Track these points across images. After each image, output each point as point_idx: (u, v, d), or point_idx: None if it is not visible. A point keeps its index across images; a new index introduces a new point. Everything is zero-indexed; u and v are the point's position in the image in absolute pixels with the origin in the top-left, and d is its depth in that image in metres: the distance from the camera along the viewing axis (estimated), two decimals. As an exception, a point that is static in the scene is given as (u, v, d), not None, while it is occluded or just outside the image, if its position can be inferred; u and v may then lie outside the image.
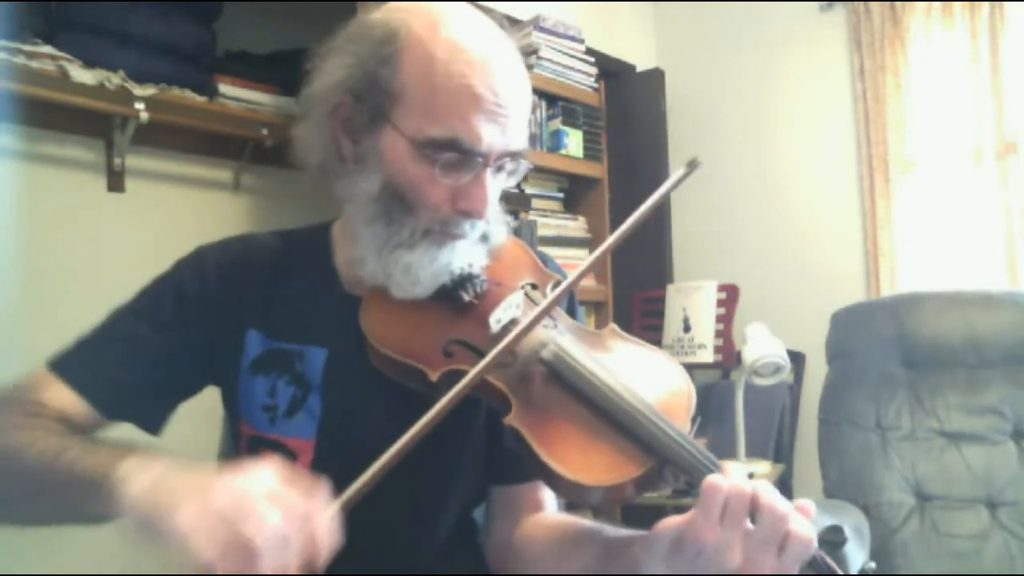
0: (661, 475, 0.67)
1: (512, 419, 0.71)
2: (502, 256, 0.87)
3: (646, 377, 0.74)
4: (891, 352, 2.07)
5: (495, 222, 0.84)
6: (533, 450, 0.68)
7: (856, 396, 2.07)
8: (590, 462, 0.67)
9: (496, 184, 0.80)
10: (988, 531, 1.83)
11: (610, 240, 0.77)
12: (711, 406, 3.00)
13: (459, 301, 0.80)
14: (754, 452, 2.59)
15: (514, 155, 0.80)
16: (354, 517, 0.61)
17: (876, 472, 1.97)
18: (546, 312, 0.74)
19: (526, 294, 0.84)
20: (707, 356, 2.89)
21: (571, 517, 0.85)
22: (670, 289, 3.11)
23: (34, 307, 1.94)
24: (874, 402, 2.04)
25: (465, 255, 0.80)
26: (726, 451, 2.54)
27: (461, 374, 0.73)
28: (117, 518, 0.63)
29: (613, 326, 0.82)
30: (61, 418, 0.77)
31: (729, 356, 2.83)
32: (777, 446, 2.84)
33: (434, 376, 0.75)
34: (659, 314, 3.09)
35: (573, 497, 0.69)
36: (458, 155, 0.75)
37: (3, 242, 1.89)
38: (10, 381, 0.81)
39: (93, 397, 0.80)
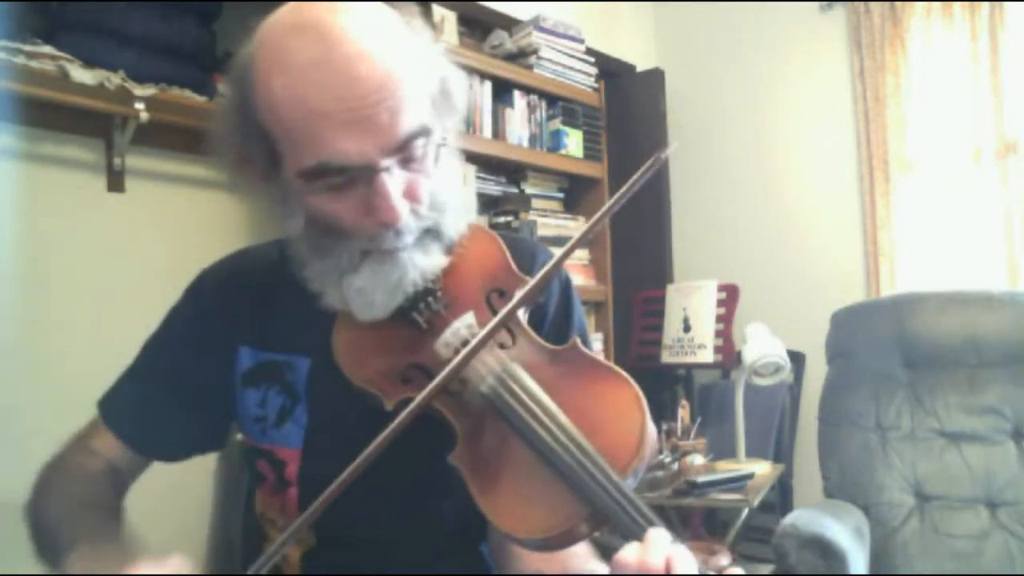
0: (606, 520, 0.63)
1: (455, 457, 0.68)
2: (467, 256, 0.80)
3: (596, 410, 0.68)
4: (891, 352, 2.07)
5: (443, 211, 0.76)
6: (471, 493, 0.65)
7: (856, 396, 2.07)
8: (522, 512, 0.64)
9: (415, 175, 0.72)
10: (988, 531, 1.83)
11: (567, 247, 0.71)
12: (711, 406, 3.01)
13: (417, 323, 0.75)
14: (754, 452, 2.59)
15: (410, 140, 0.70)
16: (351, 517, 0.61)
17: (876, 472, 1.97)
18: (484, 343, 0.68)
19: (489, 302, 0.78)
20: (707, 356, 2.89)
21: None
22: (670, 289, 3.11)
23: (34, 307, 1.94)
24: (874, 402, 2.04)
25: (415, 266, 0.74)
26: (726, 451, 2.54)
27: None
28: None
29: (576, 341, 0.74)
30: (107, 469, 0.84)
31: (729, 356, 2.83)
32: (777, 446, 2.84)
33: (389, 404, 0.72)
34: (659, 314, 3.09)
35: (518, 545, 0.66)
36: (337, 176, 0.69)
37: (3, 242, 1.89)
38: (58, 433, 0.87)
39: (136, 446, 0.86)
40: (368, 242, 0.73)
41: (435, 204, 0.75)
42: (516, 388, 0.68)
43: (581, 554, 0.74)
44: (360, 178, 0.69)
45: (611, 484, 0.62)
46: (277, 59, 0.69)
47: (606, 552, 0.68)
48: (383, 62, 0.68)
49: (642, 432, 0.65)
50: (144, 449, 0.87)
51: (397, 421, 0.64)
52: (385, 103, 0.68)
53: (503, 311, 0.69)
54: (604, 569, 0.62)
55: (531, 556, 0.77)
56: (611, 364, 0.72)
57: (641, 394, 0.67)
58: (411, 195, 0.72)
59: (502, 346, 0.74)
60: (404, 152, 0.70)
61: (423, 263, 0.75)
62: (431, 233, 0.76)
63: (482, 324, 0.74)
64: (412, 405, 0.65)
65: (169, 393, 0.86)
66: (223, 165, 0.77)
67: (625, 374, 0.70)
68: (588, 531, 0.63)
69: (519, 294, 0.71)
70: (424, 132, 0.71)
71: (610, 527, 0.63)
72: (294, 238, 0.77)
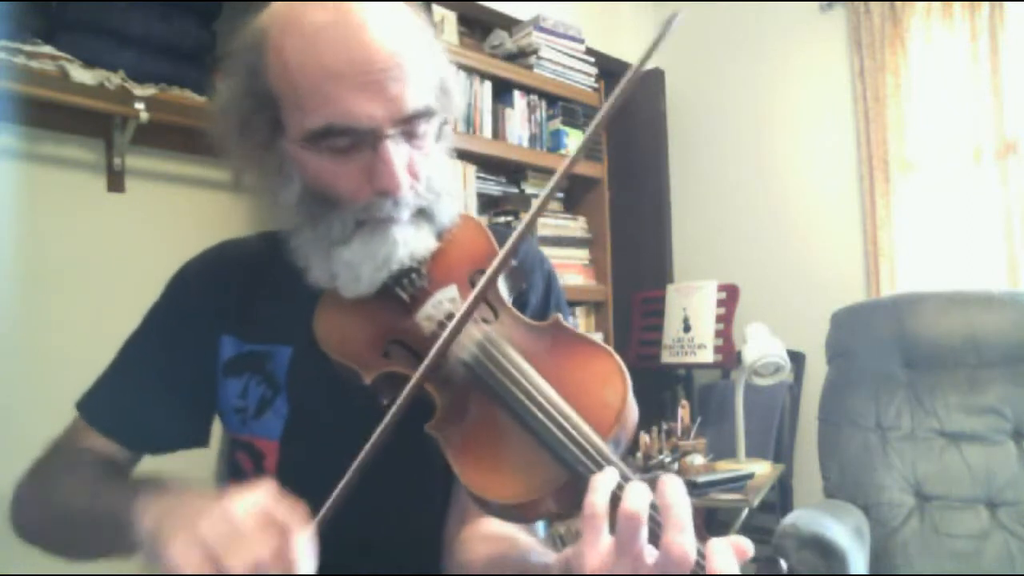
0: (579, 491, 0.60)
1: (432, 426, 0.67)
2: (454, 240, 0.80)
3: (577, 378, 0.67)
4: (891, 352, 2.07)
5: (438, 195, 0.77)
6: (447, 459, 0.65)
7: (856, 396, 2.07)
8: (495, 476, 0.63)
9: (416, 152, 0.74)
10: (988, 531, 1.84)
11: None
12: (711, 406, 3.01)
13: (400, 298, 0.75)
14: (754, 452, 2.59)
15: (415, 117, 0.73)
16: (342, 514, 0.60)
17: (876, 472, 1.97)
18: (471, 313, 0.68)
19: (472, 282, 0.77)
20: (707, 356, 2.89)
21: (505, 531, 0.78)
22: (670, 289, 3.11)
23: (34, 307, 1.94)
24: (874, 402, 2.05)
25: (405, 243, 0.74)
26: (726, 451, 2.54)
27: (396, 376, 0.70)
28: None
29: (557, 317, 0.73)
30: (105, 461, 0.82)
31: (729, 356, 2.83)
32: (777, 446, 2.84)
33: (368, 378, 0.72)
34: (659, 314, 3.09)
35: (484, 511, 0.65)
36: (342, 139, 0.71)
37: (3, 242, 1.89)
38: (54, 435, 0.86)
39: (122, 440, 0.84)
40: (363, 212, 0.74)
41: (431, 186, 0.77)
42: (497, 355, 0.68)
43: (538, 550, 0.73)
44: (365, 143, 0.71)
45: (591, 445, 0.60)
46: (291, 23, 0.72)
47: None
48: (394, 37, 0.72)
49: (624, 399, 0.64)
50: (124, 436, 0.84)
51: (402, 398, 0.63)
52: (393, 72, 0.71)
53: (484, 278, 0.69)
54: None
55: (481, 551, 0.76)
56: (592, 338, 0.71)
57: (623, 366, 0.67)
58: (411, 170, 0.74)
59: (485, 321, 0.73)
60: (409, 125, 0.73)
61: (413, 241, 0.75)
62: (424, 214, 0.77)
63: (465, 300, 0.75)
64: (412, 381, 0.65)
65: (153, 381, 0.84)
66: (223, 136, 0.78)
67: (607, 347, 0.69)
68: (557, 507, 0.62)
69: (496, 262, 0.70)
70: (428, 113, 0.74)
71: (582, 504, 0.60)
72: (288, 208, 0.77)
